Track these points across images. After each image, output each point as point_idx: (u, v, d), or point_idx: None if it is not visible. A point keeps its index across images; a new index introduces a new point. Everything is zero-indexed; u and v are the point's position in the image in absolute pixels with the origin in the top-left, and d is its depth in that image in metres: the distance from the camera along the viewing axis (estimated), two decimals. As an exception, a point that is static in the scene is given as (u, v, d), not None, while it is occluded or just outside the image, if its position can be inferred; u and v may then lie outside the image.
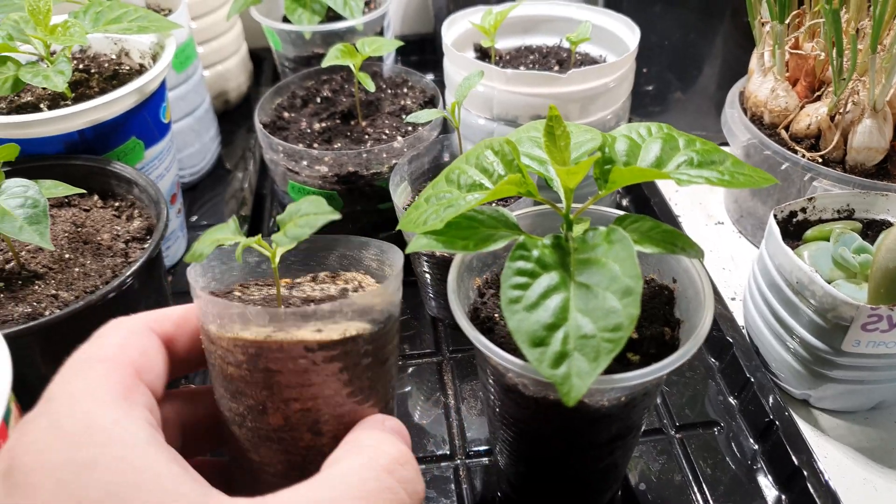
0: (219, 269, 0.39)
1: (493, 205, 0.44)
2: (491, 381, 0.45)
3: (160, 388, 0.33)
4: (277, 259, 0.35)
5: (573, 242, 0.40)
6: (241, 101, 1.07)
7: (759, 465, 0.57)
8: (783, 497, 0.54)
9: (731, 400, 0.62)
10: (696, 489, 0.55)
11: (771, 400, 0.58)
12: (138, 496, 0.25)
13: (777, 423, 0.56)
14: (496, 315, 0.46)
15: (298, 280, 0.41)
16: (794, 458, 0.54)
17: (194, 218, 0.86)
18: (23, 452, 0.27)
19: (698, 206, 0.85)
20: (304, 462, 0.35)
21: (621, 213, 0.49)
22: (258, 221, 0.84)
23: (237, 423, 0.35)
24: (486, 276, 0.49)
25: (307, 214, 0.34)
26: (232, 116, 1.05)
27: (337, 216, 0.33)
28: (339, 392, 0.34)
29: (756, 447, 0.58)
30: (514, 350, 0.42)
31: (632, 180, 0.41)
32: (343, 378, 0.33)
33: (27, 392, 0.44)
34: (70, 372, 0.30)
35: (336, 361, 0.33)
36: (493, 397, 0.46)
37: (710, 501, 0.54)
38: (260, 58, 1.14)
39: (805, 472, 0.53)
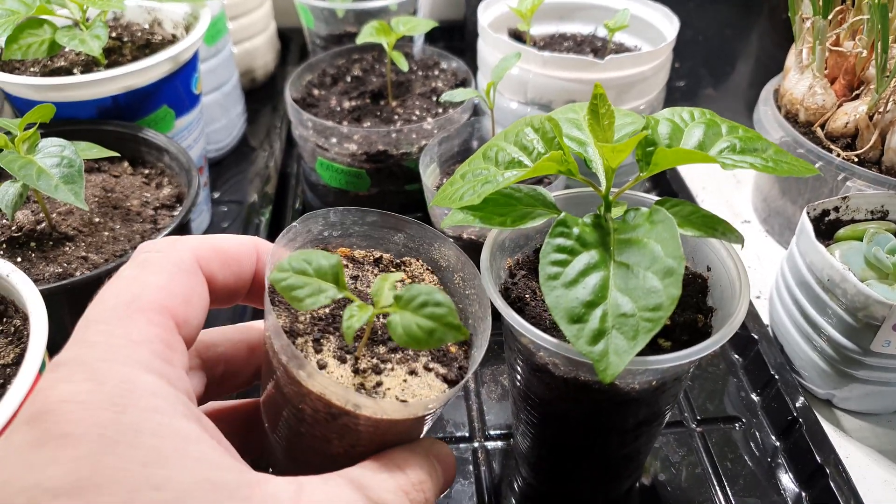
0: (282, 241, 0.37)
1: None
2: (519, 360, 0.45)
3: (194, 337, 0.32)
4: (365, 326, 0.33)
5: (613, 222, 0.40)
6: (267, 80, 1.06)
7: (780, 462, 0.56)
8: (804, 494, 0.54)
9: (754, 396, 0.61)
10: (715, 482, 0.55)
11: (795, 398, 0.57)
12: (184, 464, 0.25)
13: (801, 420, 0.56)
14: (527, 296, 0.45)
15: (358, 256, 0.40)
16: (817, 456, 0.53)
17: (217, 195, 0.86)
18: (59, 400, 0.25)
19: (725, 204, 0.84)
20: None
21: (658, 198, 0.49)
22: (282, 200, 0.83)
23: (293, 432, 0.35)
24: (518, 258, 0.49)
25: (434, 319, 0.30)
26: (258, 95, 1.04)
27: (464, 337, 0.31)
28: (406, 438, 0.34)
29: (777, 444, 0.57)
30: (545, 330, 0.42)
31: (676, 163, 0.41)
32: (414, 427, 0.34)
33: (55, 351, 0.44)
34: (110, 315, 0.29)
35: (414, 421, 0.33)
36: (519, 378, 0.46)
37: (730, 495, 0.54)
38: (287, 38, 1.14)
39: (828, 471, 0.52)
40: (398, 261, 0.41)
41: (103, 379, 0.26)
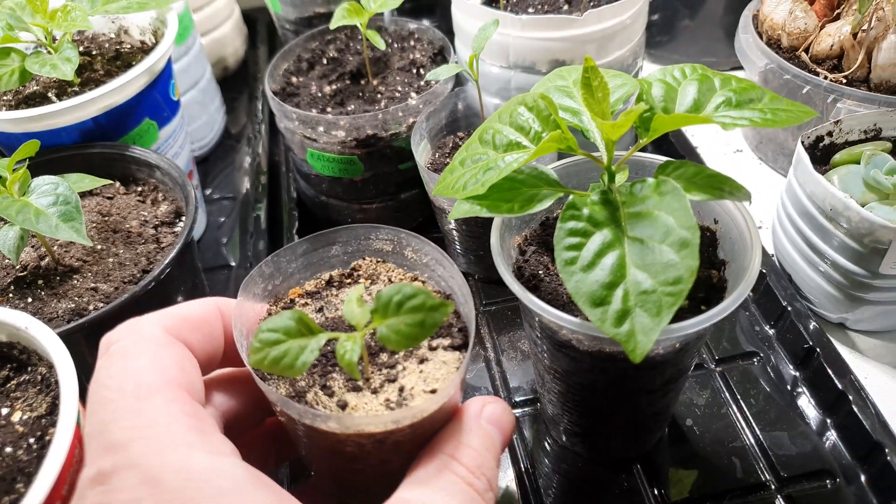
0: (261, 285, 0.39)
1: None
2: (541, 337, 0.46)
3: (203, 400, 0.32)
4: (357, 352, 0.32)
5: (621, 195, 0.40)
6: (239, 67, 1.04)
7: (801, 392, 0.58)
8: (828, 421, 0.55)
9: (768, 329, 0.62)
10: (741, 420, 0.56)
11: (809, 326, 0.58)
12: None
13: (818, 349, 0.57)
14: (540, 272, 0.46)
15: (310, 288, 0.41)
16: (837, 382, 0.55)
17: (208, 191, 0.86)
18: None
19: (716, 135, 0.84)
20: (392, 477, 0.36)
21: (659, 158, 0.49)
22: (275, 191, 0.83)
23: (350, 471, 0.36)
24: (526, 234, 0.49)
25: (416, 311, 0.30)
26: (231, 83, 1.02)
27: (451, 309, 0.31)
28: (451, 413, 0.34)
29: (797, 374, 0.59)
30: (562, 306, 0.42)
31: (674, 126, 0.40)
32: (453, 403, 0.34)
33: (83, 392, 0.44)
34: (122, 412, 0.27)
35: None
36: (543, 352, 0.47)
37: (757, 430, 0.55)
38: (253, 19, 1.11)
39: (850, 396, 0.53)
40: (348, 271, 0.42)
41: (159, 477, 0.25)
